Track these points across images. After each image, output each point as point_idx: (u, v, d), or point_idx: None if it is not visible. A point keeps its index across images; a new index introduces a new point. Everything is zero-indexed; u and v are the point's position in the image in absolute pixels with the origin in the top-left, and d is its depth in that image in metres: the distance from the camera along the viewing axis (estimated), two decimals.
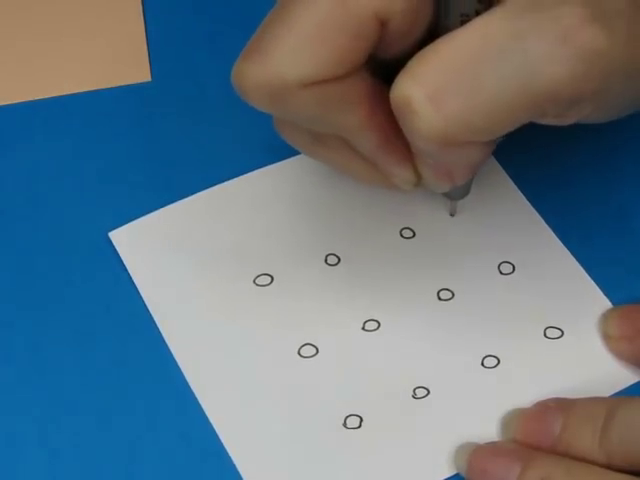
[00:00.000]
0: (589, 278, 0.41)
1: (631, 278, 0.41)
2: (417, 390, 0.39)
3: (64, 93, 0.46)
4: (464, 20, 0.33)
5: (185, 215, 0.43)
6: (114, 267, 0.41)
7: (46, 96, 0.46)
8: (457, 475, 0.37)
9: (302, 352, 0.40)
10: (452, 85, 0.32)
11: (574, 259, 0.41)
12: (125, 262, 0.41)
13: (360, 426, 0.38)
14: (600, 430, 0.35)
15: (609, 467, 0.35)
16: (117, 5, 0.49)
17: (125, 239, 0.42)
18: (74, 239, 0.42)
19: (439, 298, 0.41)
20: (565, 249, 0.42)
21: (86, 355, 0.40)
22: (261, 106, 0.34)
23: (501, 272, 0.41)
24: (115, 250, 0.42)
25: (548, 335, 0.40)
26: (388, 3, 0.33)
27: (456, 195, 0.41)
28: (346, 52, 0.33)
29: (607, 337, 0.39)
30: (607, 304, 0.40)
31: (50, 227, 0.43)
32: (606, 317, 0.40)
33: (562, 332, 0.40)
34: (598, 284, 0.41)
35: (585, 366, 0.39)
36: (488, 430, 0.38)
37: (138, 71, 0.47)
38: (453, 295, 0.41)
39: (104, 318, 0.40)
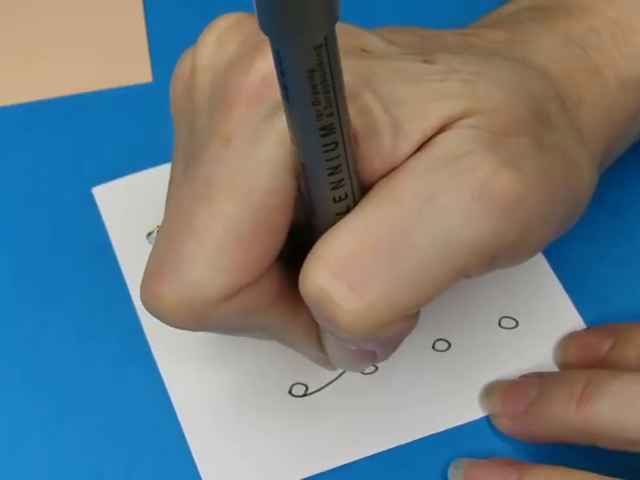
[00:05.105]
0: (553, 273, 0.41)
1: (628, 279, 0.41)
2: None
3: (65, 94, 0.46)
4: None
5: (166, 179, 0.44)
6: (114, 266, 0.42)
7: (47, 97, 0.46)
8: (392, 449, 0.38)
9: None
10: (372, 267, 0.28)
11: (541, 254, 0.42)
12: (104, 218, 0.43)
13: (305, 394, 0.39)
14: (579, 395, 0.35)
15: (584, 434, 0.35)
16: (118, 6, 0.49)
17: (107, 196, 0.43)
18: (74, 239, 0.43)
19: None
20: None
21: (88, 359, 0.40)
22: (181, 325, 0.30)
23: None
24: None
25: (503, 325, 0.40)
26: (285, 181, 0.29)
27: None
28: (263, 250, 0.29)
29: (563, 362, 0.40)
30: (567, 301, 0.41)
31: (50, 227, 0.43)
32: (564, 343, 0.40)
33: (517, 323, 0.40)
34: (592, 285, 0.41)
35: (535, 359, 0.39)
36: (431, 412, 0.38)
37: (139, 72, 0.47)
38: None
39: (103, 316, 0.41)
